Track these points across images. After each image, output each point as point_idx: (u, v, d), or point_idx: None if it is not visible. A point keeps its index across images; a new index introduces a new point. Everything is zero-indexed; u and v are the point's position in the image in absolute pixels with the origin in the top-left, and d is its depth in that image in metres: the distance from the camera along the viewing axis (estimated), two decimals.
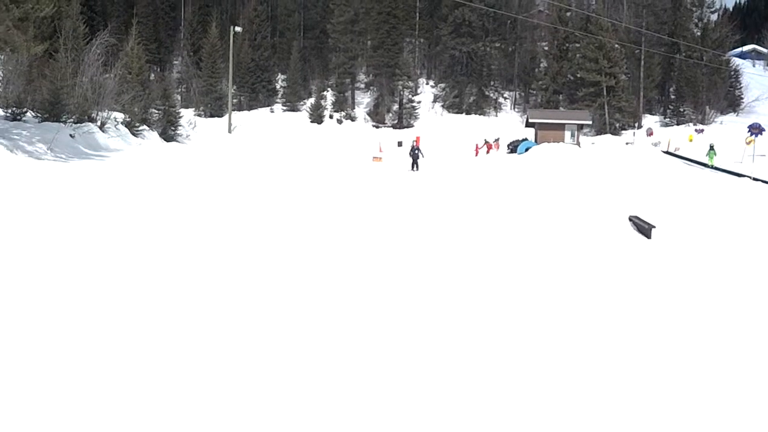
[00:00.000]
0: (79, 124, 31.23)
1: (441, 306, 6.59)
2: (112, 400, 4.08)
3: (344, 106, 75.32)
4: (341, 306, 6.40)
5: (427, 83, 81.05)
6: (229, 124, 56.91)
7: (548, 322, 6.18)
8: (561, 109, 66.63)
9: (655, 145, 49.40)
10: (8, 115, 28.86)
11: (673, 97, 72.49)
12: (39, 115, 29.88)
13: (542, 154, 38.04)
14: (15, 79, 30.79)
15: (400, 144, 54.35)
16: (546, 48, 76.72)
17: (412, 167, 26.55)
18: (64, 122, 30.07)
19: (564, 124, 46.94)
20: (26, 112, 29.59)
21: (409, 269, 8.24)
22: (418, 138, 27.71)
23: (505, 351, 5.32)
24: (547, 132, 45.67)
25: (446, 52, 77.33)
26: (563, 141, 44.50)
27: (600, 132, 63.12)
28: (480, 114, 74.95)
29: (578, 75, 66.76)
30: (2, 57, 32.21)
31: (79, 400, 4.05)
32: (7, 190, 14.66)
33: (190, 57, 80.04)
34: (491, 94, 78.33)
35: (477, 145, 49.13)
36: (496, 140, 51.94)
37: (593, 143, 51.64)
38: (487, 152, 47.33)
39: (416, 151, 26.64)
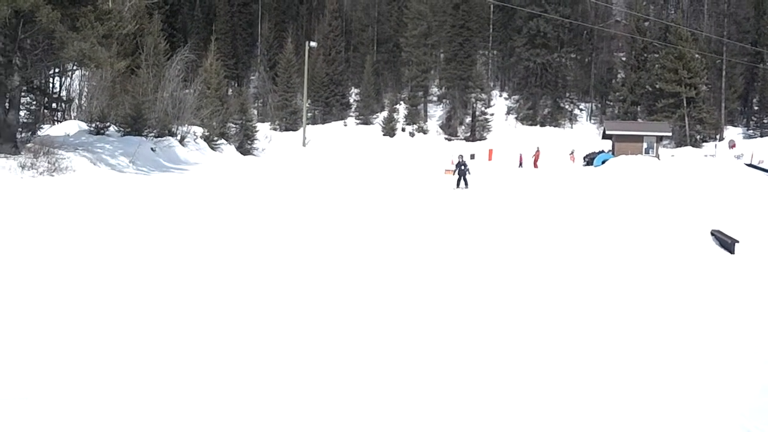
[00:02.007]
0: (159, 138, 32.23)
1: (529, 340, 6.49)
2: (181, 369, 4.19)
3: (416, 119, 75.45)
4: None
5: (501, 95, 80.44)
6: (304, 138, 57.84)
7: (631, 342, 5.99)
8: (639, 120, 65.01)
9: (738, 157, 47.62)
10: (92, 129, 30.00)
11: (756, 108, 69.74)
12: (121, 129, 30.96)
13: (620, 166, 37.18)
14: (99, 95, 32.01)
15: (472, 157, 54.12)
16: (623, 58, 75.12)
17: (458, 184, 23.71)
18: (146, 136, 31.07)
19: (642, 135, 45.80)
20: (109, 126, 30.67)
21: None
22: (462, 155, 25.17)
23: (597, 370, 5.19)
24: (625, 144, 44.64)
25: (520, 64, 76.60)
26: (641, 153, 43.42)
27: (680, 144, 61.30)
28: (555, 126, 73.90)
29: (657, 86, 65.04)
30: (87, 73, 33.59)
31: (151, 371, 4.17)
32: (96, 201, 15.23)
33: (267, 72, 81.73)
34: (566, 106, 77.16)
35: (521, 155, 47.66)
36: (572, 152, 51.12)
37: (673, 155, 50.24)
38: (535, 164, 45.51)
39: (463, 167, 23.82)
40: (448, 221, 14.21)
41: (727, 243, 11.40)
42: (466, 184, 23.38)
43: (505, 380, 4.84)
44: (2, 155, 20.31)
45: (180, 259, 8.93)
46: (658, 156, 44.03)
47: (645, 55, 69.34)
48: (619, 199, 21.03)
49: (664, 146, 51.78)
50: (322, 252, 9.96)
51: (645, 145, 44.90)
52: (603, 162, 41.66)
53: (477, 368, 5.07)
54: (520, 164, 46.44)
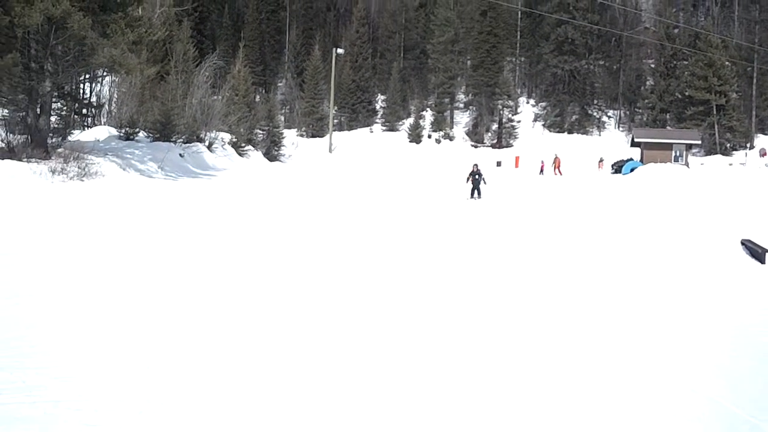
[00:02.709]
0: (188, 144, 32.50)
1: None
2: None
3: (443, 125, 75.39)
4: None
5: (528, 102, 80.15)
6: (330, 144, 58.02)
7: (655, 350, 5.89)
8: (668, 128, 64.40)
9: None
10: (121, 134, 30.36)
11: None
12: (150, 135, 31.27)
13: (648, 174, 36.85)
14: (128, 100, 32.39)
15: (498, 164, 53.92)
16: (652, 65, 74.51)
17: (472, 194, 21.71)
18: (174, 142, 31.35)
19: (671, 143, 45.42)
20: (138, 132, 31.00)
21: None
22: (476, 164, 23.03)
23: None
24: (654, 152, 44.28)
25: (548, 71, 76.29)
26: (670, 161, 42.98)
27: (709, 152, 60.57)
28: (582, 133, 73.44)
29: (686, 93, 64.37)
30: (117, 79, 34.02)
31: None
32: (125, 205, 15.40)
33: (294, 79, 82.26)
34: (594, 113, 76.66)
35: (542, 162, 47.21)
36: (600, 160, 50.77)
37: (702, 164, 49.68)
38: (556, 170, 44.83)
39: (478, 177, 21.83)
40: (453, 235, 14.14)
41: (757, 252, 11.19)
42: (479, 194, 21.58)
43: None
44: (33, 160, 20.60)
45: (207, 258, 9.00)
46: (687, 164, 43.56)
47: (674, 62, 68.70)
48: (647, 207, 20.80)
49: (693, 154, 51.25)
50: (332, 254, 10.01)
51: (674, 153, 44.49)
52: (631, 170, 41.31)
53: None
54: (541, 171, 46.15)
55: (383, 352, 5.44)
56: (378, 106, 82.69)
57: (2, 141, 21.34)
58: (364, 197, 21.95)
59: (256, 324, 6.13)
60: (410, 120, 76.61)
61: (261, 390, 4.49)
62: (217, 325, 6.04)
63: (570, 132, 73.49)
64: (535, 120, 76.31)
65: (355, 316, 6.53)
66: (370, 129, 78.55)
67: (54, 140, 23.65)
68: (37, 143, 21.96)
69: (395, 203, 19.96)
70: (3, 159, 19.70)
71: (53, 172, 20.39)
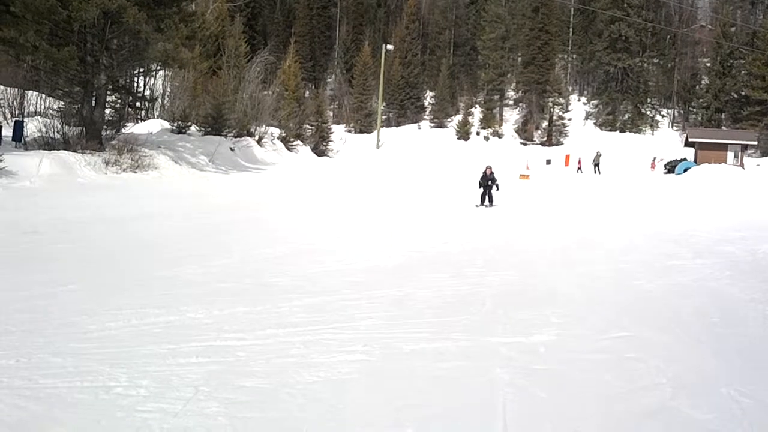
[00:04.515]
0: (238, 138, 32.85)
1: None
2: None
3: (492, 122, 74.73)
4: None
5: (579, 100, 78.95)
6: (377, 140, 58.04)
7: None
8: (723, 128, 62.74)
9: None
10: (174, 128, 30.81)
11: None
12: (202, 128, 31.68)
13: (702, 175, 35.99)
14: (181, 94, 32.86)
15: (548, 162, 53.27)
16: (708, 64, 72.61)
17: (482, 201, 18.90)
18: (225, 136, 31.72)
19: (727, 144, 44.25)
20: (190, 125, 31.42)
21: None
22: (490, 166, 19.38)
23: None
24: (708, 152, 43.19)
25: (600, 68, 75.00)
26: (725, 162, 41.90)
27: (766, 153, 58.81)
28: (635, 132, 72.02)
29: (743, 93, 62.62)
30: (170, 73, 34.55)
31: None
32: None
33: (343, 75, 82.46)
34: (648, 112, 75.09)
35: (579, 159, 46.96)
36: (653, 160, 49.77)
37: (758, 165, 48.27)
38: (578, 168, 44.90)
39: (491, 182, 18.90)
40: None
41: None
42: (490, 200, 18.93)
43: None
44: (88, 151, 21.03)
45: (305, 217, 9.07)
46: (742, 165, 42.41)
47: (731, 60, 66.85)
48: (700, 208, 20.29)
49: (749, 155, 49.87)
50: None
51: (730, 154, 43.39)
52: (685, 170, 40.39)
53: None
54: (579, 169, 45.46)
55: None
56: (426, 103, 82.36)
57: (58, 132, 21.83)
58: (404, 195, 21.88)
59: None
60: (459, 117, 76.12)
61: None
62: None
63: (622, 131, 72.16)
64: (586, 118, 75.10)
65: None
66: (418, 125, 78.29)
67: (108, 132, 24.11)
68: (92, 135, 22.41)
69: (429, 204, 19.85)
70: (59, 150, 20.17)
71: (107, 163, 20.81)
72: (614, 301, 7.22)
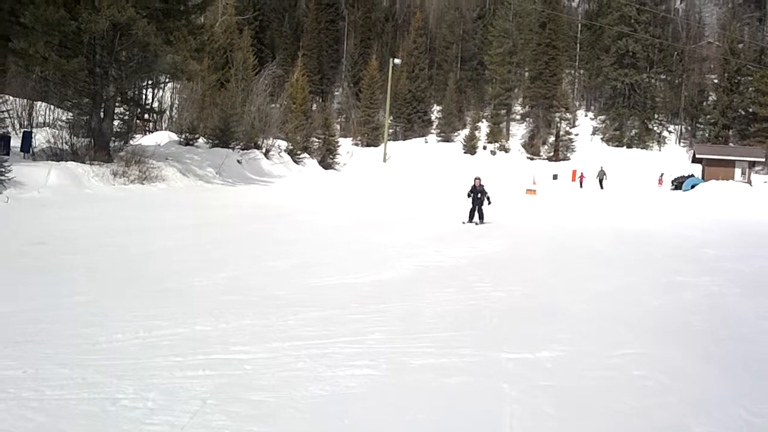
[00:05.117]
0: (245, 151, 32.96)
1: None
2: None
3: (498, 137, 74.83)
4: None
5: (586, 115, 79.07)
6: (384, 154, 58.13)
7: None
8: (731, 144, 62.68)
9: None
10: (182, 140, 30.94)
11: None
12: (210, 140, 31.79)
13: (709, 191, 35.91)
14: (189, 107, 33.01)
15: (555, 177, 53.27)
16: (716, 80, 72.67)
17: (471, 217, 16.76)
18: (232, 148, 31.82)
19: (734, 160, 44.21)
20: (198, 137, 31.55)
21: None
22: (478, 178, 17.32)
23: None
24: (716, 168, 43.16)
25: (607, 84, 75.19)
26: (733, 179, 41.81)
27: None
28: (642, 148, 72.03)
29: (750, 109, 62.62)
30: (178, 85, 34.74)
31: None
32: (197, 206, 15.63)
33: (350, 88, 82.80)
34: (655, 128, 75.10)
35: (581, 174, 48.07)
36: (661, 176, 49.71)
37: (766, 182, 48.13)
38: (581, 182, 45.80)
39: (480, 195, 16.79)
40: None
41: None
42: (480, 217, 16.79)
43: None
44: (96, 163, 21.11)
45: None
46: (750, 182, 42.33)
47: (738, 77, 66.91)
48: (708, 226, 20.24)
49: (756, 172, 49.76)
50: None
51: (738, 171, 43.33)
52: (692, 186, 40.33)
53: None
54: (581, 185, 45.49)
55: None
56: (433, 117, 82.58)
57: (67, 143, 21.93)
58: (412, 210, 21.88)
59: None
60: (465, 131, 76.23)
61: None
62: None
63: (629, 146, 72.18)
64: (593, 133, 75.20)
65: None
66: (425, 139, 78.44)
67: (116, 144, 24.20)
68: (100, 146, 22.50)
69: (436, 217, 19.81)
70: (67, 161, 20.25)
71: (115, 174, 20.88)
72: (622, 318, 7.19)
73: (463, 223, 16.57)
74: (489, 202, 16.77)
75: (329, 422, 4.07)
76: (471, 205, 16.93)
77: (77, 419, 3.89)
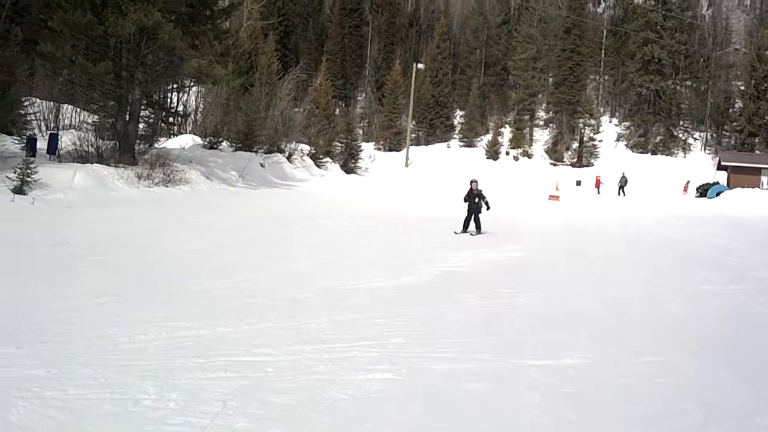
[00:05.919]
0: (268, 155, 33.06)
1: None
2: None
3: (521, 143, 74.44)
4: None
5: (610, 121, 78.40)
6: (407, 159, 58.09)
7: None
8: (757, 152, 61.89)
9: None
10: (206, 143, 31.14)
11: None
12: (233, 144, 31.95)
13: (735, 199, 35.47)
14: (213, 110, 33.23)
15: (578, 183, 52.91)
16: (742, 87, 71.76)
17: (465, 226, 15.14)
18: (256, 152, 31.94)
19: (760, 168, 43.67)
20: (222, 141, 31.72)
21: None
22: (476, 182, 16.09)
23: None
24: (741, 176, 42.66)
25: (632, 90, 74.49)
26: (758, 186, 41.29)
27: None
28: (667, 154, 71.25)
29: None
30: (203, 89, 35.00)
31: None
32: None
33: (374, 93, 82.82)
34: (680, 135, 74.29)
35: (598, 178, 48.08)
36: (686, 183, 49.20)
37: None
38: (597, 187, 45.58)
39: (478, 200, 15.24)
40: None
41: None
42: (477, 226, 15.07)
43: None
44: (121, 165, 21.31)
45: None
46: None
47: (765, 84, 65.99)
48: (734, 234, 19.97)
49: None
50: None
51: (764, 179, 42.82)
52: (717, 194, 39.84)
53: None
54: (598, 190, 45.14)
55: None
56: (456, 122, 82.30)
57: (92, 146, 22.15)
58: (435, 214, 21.80)
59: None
60: (488, 136, 75.91)
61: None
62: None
63: (654, 153, 71.46)
64: (617, 140, 74.50)
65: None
66: (448, 144, 78.20)
67: (141, 146, 24.40)
68: (125, 149, 22.71)
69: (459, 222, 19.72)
70: (92, 163, 20.46)
71: (139, 177, 21.04)
72: (647, 325, 7.11)
73: (456, 233, 14.92)
74: (488, 208, 15.26)
75: (349, 426, 4.06)
76: (467, 213, 15.30)
77: (99, 419, 3.91)
